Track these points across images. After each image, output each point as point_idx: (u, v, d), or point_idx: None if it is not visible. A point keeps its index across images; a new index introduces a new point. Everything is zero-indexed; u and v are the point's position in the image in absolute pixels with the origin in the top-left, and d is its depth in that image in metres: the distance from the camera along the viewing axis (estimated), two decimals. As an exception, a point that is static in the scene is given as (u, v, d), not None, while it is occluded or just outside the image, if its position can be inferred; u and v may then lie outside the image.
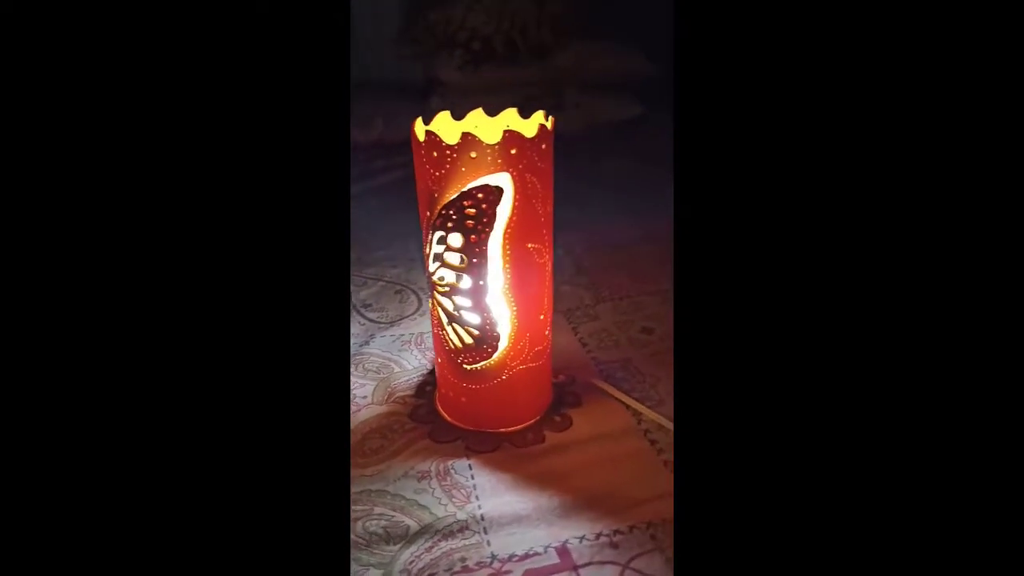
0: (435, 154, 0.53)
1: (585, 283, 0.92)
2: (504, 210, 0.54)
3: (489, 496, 0.56)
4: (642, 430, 0.63)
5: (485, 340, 0.59)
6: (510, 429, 0.64)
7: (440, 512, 0.54)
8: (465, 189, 0.52)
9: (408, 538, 0.52)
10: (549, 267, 0.61)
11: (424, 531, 0.52)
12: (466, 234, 0.54)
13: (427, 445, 0.62)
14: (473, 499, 0.55)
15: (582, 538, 0.51)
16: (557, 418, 0.65)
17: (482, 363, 0.60)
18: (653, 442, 0.62)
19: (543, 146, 0.54)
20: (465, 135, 0.51)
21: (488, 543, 0.51)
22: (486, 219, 0.53)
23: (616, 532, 0.52)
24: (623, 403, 0.67)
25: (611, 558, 0.49)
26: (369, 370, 0.73)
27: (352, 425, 0.65)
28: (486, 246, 0.54)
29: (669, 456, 0.60)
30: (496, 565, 0.49)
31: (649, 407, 0.66)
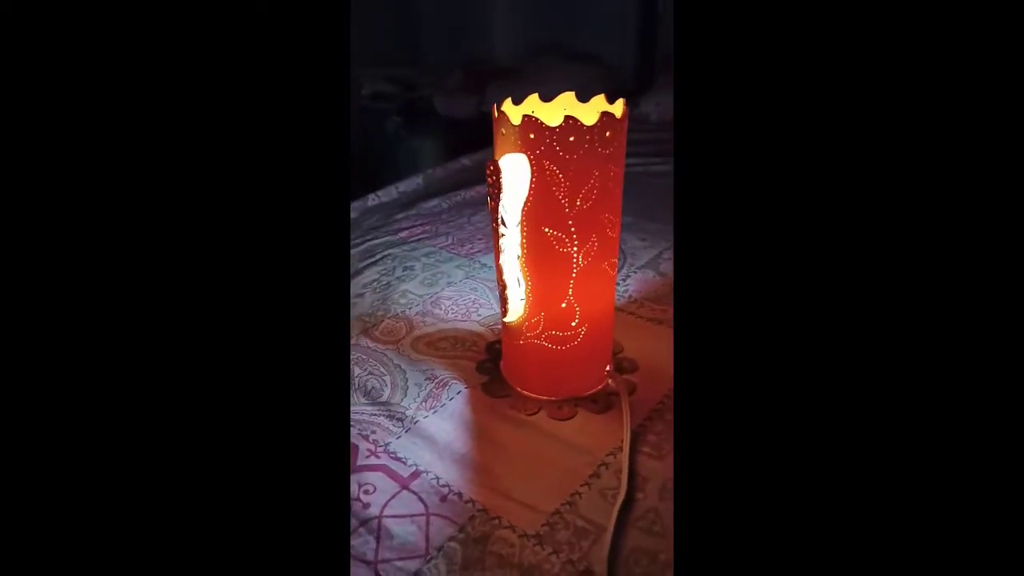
0: (492, 125, 0.60)
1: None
2: (520, 189, 0.58)
3: (442, 418, 0.65)
4: (603, 463, 0.59)
5: (501, 297, 0.65)
6: (522, 391, 0.69)
7: (407, 402, 0.67)
8: (490, 159, 0.59)
9: (369, 396, 0.68)
10: (586, 263, 0.61)
11: (382, 401, 0.67)
12: (489, 199, 0.61)
13: (469, 366, 0.74)
14: (431, 411, 0.66)
15: (438, 479, 0.57)
16: (565, 407, 0.66)
17: (505, 319, 0.66)
18: (594, 475, 0.57)
19: (571, 138, 0.55)
20: (501, 113, 0.57)
21: (397, 437, 0.63)
22: (496, 190, 0.59)
23: (458, 494, 0.56)
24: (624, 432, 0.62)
25: (429, 501, 0.55)
26: (509, 301, 0.86)
27: (456, 327, 0.81)
28: (497, 214, 0.60)
29: (587, 492, 0.56)
30: (377, 448, 0.61)
31: (644, 452, 0.60)
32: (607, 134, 0.56)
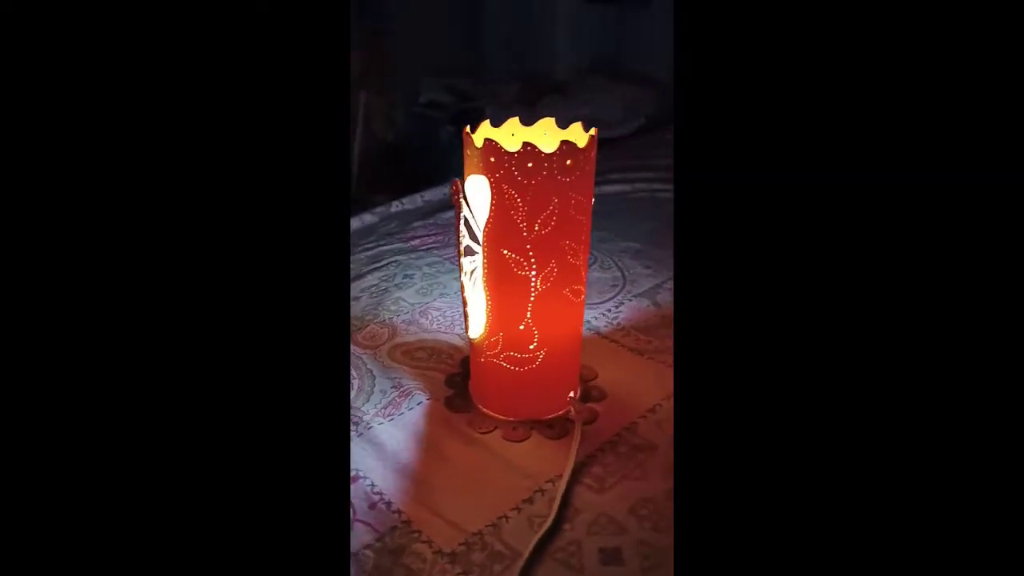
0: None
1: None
2: (482, 210, 0.59)
3: (396, 427, 0.67)
4: (540, 489, 0.58)
5: (464, 313, 0.66)
6: (481, 408, 0.69)
7: (367, 408, 0.69)
8: (454, 179, 0.60)
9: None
10: (544, 288, 0.61)
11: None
12: (454, 215, 0.62)
13: (438, 378, 0.75)
14: (387, 419, 0.67)
15: (373, 486, 0.59)
16: (520, 429, 0.66)
17: (468, 335, 0.67)
18: (526, 500, 0.57)
19: (529, 164, 0.55)
20: (466, 133, 0.58)
21: (350, 443, 0.64)
22: (457, 209, 0.60)
23: (387, 504, 0.57)
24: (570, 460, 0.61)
25: (358, 507, 0.56)
26: (495, 317, 0.86)
27: (437, 338, 0.82)
28: (458, 230, 0.61)
29: (515, 516, 0.55)
30: (327, 450, 0.63)
31: (584, 483, 0.59)
32: (567, 162, 0.56)
